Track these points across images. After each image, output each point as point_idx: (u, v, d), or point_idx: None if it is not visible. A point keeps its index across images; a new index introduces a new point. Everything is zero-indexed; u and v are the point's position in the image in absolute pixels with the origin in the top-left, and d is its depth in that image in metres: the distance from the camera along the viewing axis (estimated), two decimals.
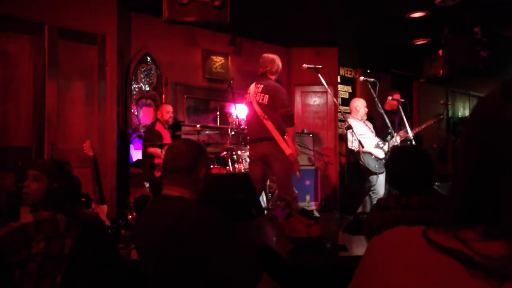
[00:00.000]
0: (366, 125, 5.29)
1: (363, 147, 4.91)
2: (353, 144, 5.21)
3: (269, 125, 4.02)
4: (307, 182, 6.35)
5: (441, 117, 5.74)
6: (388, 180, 4.44)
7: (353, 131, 4.95)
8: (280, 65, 4.30)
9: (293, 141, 4.09)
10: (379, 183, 5.13)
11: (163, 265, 1.63)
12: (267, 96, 4.08)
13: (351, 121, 5.23)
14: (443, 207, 0.69)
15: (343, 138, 7.32)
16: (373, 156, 5.08)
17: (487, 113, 0.64)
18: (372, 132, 5.30)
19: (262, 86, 4.16)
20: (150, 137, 5.22)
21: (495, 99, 0.63)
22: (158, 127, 5.32)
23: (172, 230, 1.61)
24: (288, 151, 3.99)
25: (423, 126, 5.59)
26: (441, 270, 0.59)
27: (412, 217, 1.83)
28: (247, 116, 4.47)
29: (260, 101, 4.11)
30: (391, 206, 1.93)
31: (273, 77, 4.24)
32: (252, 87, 4.27)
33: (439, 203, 1.84)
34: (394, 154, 2.19)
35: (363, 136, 5.11)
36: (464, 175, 0.66)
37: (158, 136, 5.19)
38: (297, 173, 4.17)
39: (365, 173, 5.22)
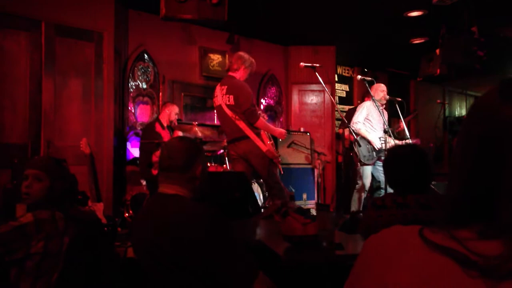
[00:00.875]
0: (382, 113, 5.08)
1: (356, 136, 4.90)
2: (356, 122, 5.12)
3: (241, 124, 4.02)
4: (304, 181, 6.35)
5: (416, 113, 5.74)
6: (385, 179, 4.43)
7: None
8: (246, 64, 4.18)
9: (269, 128, 4.12)
10: (366, 174, 5.15)
11: (159, 262, 1.63)
12: (232, 96, 4.06)
13: (367, 103, 5.21)
14: (439, 206, 0.68)
15: (340, 137, 7.32)
16: (367, 146, 5.07)
17: (485, 112, 0.64)
18: (382, 123, 5.15)
19: (225, 87, 4.14)
20: (147, 137, 5.19)
21: (493, 98, 0.63)
22: (158, 129, 5.30)
23: (168, 227, 1.61)
24: (264, 148, 3.99)
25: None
26: (437, 269, 0.59)
27: (408, 216, 1.83)
28: (219, 119, 4.44)
29: (227, 102, 4.09)
30: (388, 205, 1.94)
31: (235, 74, 4.17)
32: (217, 89, 4.25)
33: (435, 202, 1.84)
34: (391, 153, 2.19)
35: (369, 123, 5.09)
36: (461, 174, 0.66)
37: (158, 137, 5.17)
38: (279, 166, 4.16)
39: (354, 162, 5.24)
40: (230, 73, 4.20)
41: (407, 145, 4.11)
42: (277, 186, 4.15)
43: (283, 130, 4.35)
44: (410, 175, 1.96)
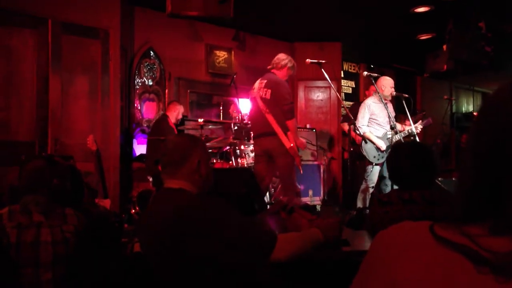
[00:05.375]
0: (387, 108, 4.83)
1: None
2: (361, 127, 4.99)
3: (271, 118, 4.08)
4: (310, 177, 6.34)
5: (424, 113, 5.68)
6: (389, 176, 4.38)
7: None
8: (289, 64, 4.30)
9: (295, 134, 4.12)
10: (374, 171, 5.11)
11: (164, 257, 1.63)
12: (270, 90, 4.13)
13: (368, 101, 5.12)
14: (449, 202, 0.68)
15: (346, 134, 7.28)
16: (374, 146, 5.01)
17: (496, 108, 0.64)
18: (389, 117, 4.96)
19: (265, 81, 4.23)
20: (163, 131, 5.15)
21: (504, 94, 0.63)
22: (171, 123, 5.37)
23: (172, 221, 1.61)
24: (288, 144, 4.02)
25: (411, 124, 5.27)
26: (448, 265, 0.59)
27: (414, 212, 1.82)
28: (250, 112, 4.54)
29: (263, 96, 4.17)
30: (394, 201, 1.93)
31: (278, 73, 4.26)
32: (257, 82, 4.35)
33: (441, 198, 1.84)
34: (395, 149, 2.19)
35: (375, 121, 5.03)
36: (472, 170, 0.65)
37: (172, 132, 5.20)
38: (299, 166, 4.19)
39: (363, 161, 5.17)
40: (273, 71, 4.29)
41: (410, 141, 4.09)
42: (292, 187, 4.19)
43: (304, 141, 4.39)
44: (413, 172, 1.95)
